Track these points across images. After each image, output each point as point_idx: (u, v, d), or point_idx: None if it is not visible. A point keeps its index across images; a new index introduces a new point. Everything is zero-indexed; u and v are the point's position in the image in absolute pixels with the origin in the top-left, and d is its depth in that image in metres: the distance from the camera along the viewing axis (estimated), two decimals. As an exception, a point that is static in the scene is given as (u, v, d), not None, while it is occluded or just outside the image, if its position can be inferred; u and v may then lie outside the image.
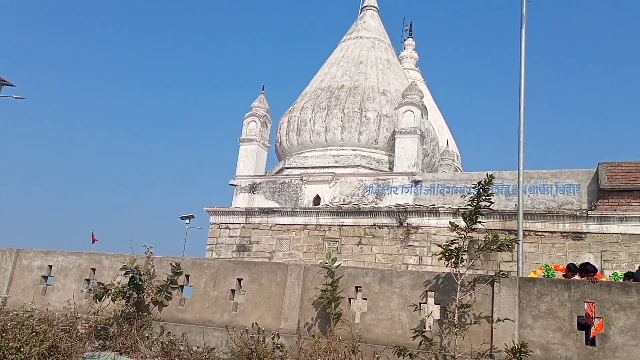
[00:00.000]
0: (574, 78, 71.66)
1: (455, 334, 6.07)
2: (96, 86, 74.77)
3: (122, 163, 74.39)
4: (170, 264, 7.90)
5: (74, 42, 74.65)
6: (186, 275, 7.88)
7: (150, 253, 7.95)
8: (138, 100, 77.71)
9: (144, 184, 73.48)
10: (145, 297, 7.85)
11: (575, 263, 9.31)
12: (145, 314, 7.70)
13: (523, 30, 9.02)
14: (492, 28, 74.29)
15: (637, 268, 8.38)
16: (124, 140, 76.24)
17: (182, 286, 7.91)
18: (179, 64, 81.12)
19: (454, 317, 6.12)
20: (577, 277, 7.94)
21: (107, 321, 7.67)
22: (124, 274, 7.74)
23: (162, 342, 7.11)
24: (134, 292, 7.76)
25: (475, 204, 6.36)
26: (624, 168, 13.64)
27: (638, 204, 13.39)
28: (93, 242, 26.06)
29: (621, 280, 9.61)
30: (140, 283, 7.73)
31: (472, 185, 6.55)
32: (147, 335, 7.42)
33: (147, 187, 73.90)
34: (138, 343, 7.25)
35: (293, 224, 16.66)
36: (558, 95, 72.04)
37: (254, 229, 17.06)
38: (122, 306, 7.72)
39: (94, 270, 8.46)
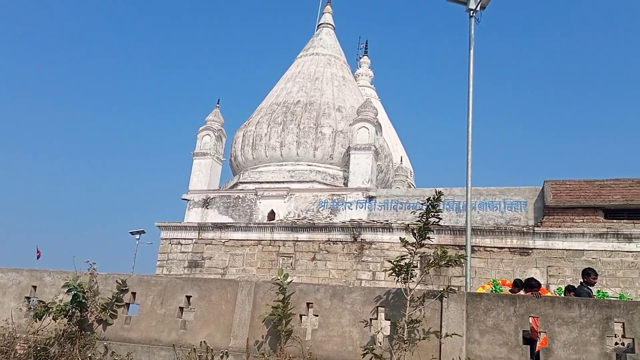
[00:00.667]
0: (522, 97, 74.33)
1: (405, 350, 6.10)
2: (45, 105, 72.45)
3: (71, 175, 72.09)
4: (116, 281, 7.64)
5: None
6: (133, 292, 7.63)
7: (94, 269, 7.66)
8: (90, 112, 75.73)
9: (93, 197, 71.32)
10: (88, 315, 7.55)
11: (521, 278, 9.56)
12: (89, 333, 7.40)
13: (471, 51, 9.29)
14: (444, 48, 76.42)
15: (579, 283, 8.66)
16: (73, 152, 74.01)
17: (128, 304, 7.66)
18: (134, 75, 79.68)
19: (404, 332, 6.16)
20: (522, 292, 8.14)
21: (48, 341, 7.31)
22: (67, 292, 7.43)
23: (105, 362, 6.85)
24: (77, 311, 7.45)
25: (424, 220, 6.44)
26: (568, 186, 14.16)
27: (581, 220, 13.92)
28: (38, 257, 25.04)
29: (562, 295, 9.91)
30: (83, 301, 7.43)
31: (424, 202, 6.64)
32: (89, 355, 7.12)
33: (96, 201, 71.76)
34: (80, 363, 6.95)
35: (247, 240, 16.49)
36: (506, 115, 74.53)
37: (206, 244, 16.78)
38: (64, 325, 7.40)
39: (35, 287, 8.09)
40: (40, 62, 72.43)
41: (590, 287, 8.25)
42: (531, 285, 8.03)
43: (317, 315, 6.90)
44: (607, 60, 68.88)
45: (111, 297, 7.58)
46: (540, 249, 13.96)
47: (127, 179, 75.23)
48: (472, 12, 9.31)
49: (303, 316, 7.00)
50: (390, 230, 15.28)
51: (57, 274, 8.05)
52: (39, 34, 73.01)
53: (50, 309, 7.35)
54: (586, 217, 13.88)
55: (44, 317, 7.36)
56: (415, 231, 6.50)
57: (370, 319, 6.57)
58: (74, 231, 66.60)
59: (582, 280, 8.46)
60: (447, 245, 14.40)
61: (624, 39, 67.98)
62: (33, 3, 71.63)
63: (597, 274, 8.55)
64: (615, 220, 13.71)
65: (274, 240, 16.26)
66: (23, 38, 69.18)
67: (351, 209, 16.40)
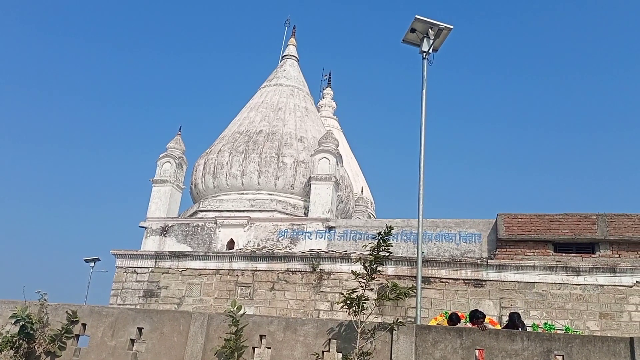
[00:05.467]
0: (477, 132, 76.47)
1: (356, 382, 6.18)
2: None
3: (24, 200, 69.87)
4: (67, 311, 7.50)
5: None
6: (83, 323, 7.50)
7: (45, 300, 7.52)
8: (47, 137, 73.97)
9: (47, 223, 69.13)
10: (36, 347, 7.37)
11: (457, 313, 9.83)
12: (36, 365, 7.22)
13: (424, 91, 9.68)
14: (403, 82, 78.20)
15: (513, 314, 8.86)
16: (28, 176, 71.89)
17: (77, 335, 7.51)
18: (95, 98, 78.46)
19: (355, 365, 6.25)
20: (469, 324, 8.36)
21: (-8, 374, 7.11)
22: (14, 322, 7.26)
23: (51, 396, 6.68)
24: (24, 342, 7.27)
25: (375, 253, 6.62)
26: (520, 219, 14.66)
27: (532, 253, 14.39)
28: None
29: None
30: (31, 332, 7.27)
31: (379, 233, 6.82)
32: (35, 389, 6.94)
33: (50, 227, 69.55)
34: (25, 398, 6.76)
35: (205, 269, 16.34)
36: (462, 149, 76.46)
37: (163, 273, 16.54)
38: (10, 357, 7.20)
39: (-20, 318, 7.86)
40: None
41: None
42: (476, 317, 8.26)
43: (269, 348, 6.93)
44: (557, 96, 71.89)
45: (60, 329, 7.42)
46: (493, 280, 14.33)
47: (83, 205, 73.33)
48: (424, 54, 9.74)
49: (256, 348, 7.01)
50: (349, 260, 15.41)
51: (5, 304, 7.84)
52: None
53: (-4, 341, 7.16)
54: (537, 250, 14.36)
55: (-12, 349, 7.15)
56: (366, 264, 6.66)
57: (323, 352, 6.64)
58: (25, 257, 64.25)
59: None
60: (404, 276, 14.67)
61: (570, 74, 71.23)
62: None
63: (484, 317, 8.67)
64: (564, 254, 14.24)
65: (233, 270, 16.16)
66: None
67: (311, 239, 16.51)
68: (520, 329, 8.33)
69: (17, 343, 7.23)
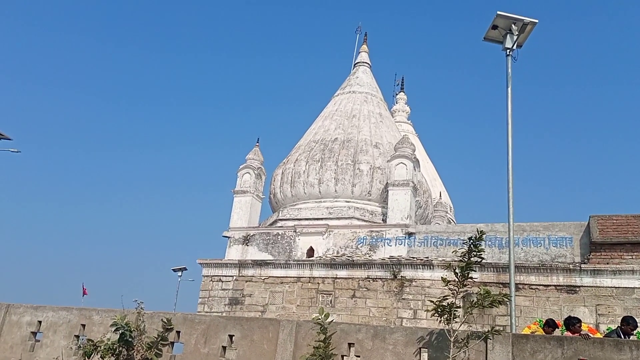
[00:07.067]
0: (565, 133, 72.98)
1: (450, 393, 5.98)
2: (89, 141, 75.42)
3: (117, 215, 74.09)
4: (162, 319, 7.80)
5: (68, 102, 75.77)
6: (177, 331, 7.76)
7: (141, 308, 7.85)
8: (131, 152, 78.26)
9: (137, 236, 72.97)
10: (135, 354, 7.70)
11: (553, 318, 9.29)
12: (135, 371, 7.55)
13: (509, 89, 9.30)
14: (481, 84, 76.16)
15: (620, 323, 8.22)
16: (118, 191, 76.27)
17: (172, 342, 7.78)
18: (177, 113, 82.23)
19: (448, 375, 6.05)
20: (567, 333, 7.88)
21: (96, 379, 7.50)
22: (114, 330, 7.62)
23: (151, 401, 6.95)
24: (124, 349, 7.62)
25: (466, 259, 6.39)
26: (615, 221, 13.76)
27: (630, 257, 13.44)
28: (84, 295, 25.77)
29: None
30: (130, 340, 7.61)
31: (466, 238, 6.60)
32: (136, 393, 7.24)
33: (140, 239, 73.34)
34: (126, 402, 7.08)
35: (286, 277, 16.55)
36: (549, 149, 73.16)
37: (246, 281, 16.91)
38: (112, 364, 7.58)
39: (83, 326, 8.33)
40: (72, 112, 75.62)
41: (625, 335, 7.84)
42: (572, 323, 7.77)
43: (358, 356, 6.85)
44: (651, 90, 67.23)
45: (156, 336, 7.72)
46: (587, 286, 13.50)
47: (169, 216, 76.83)
48: (508, 50, 9.38)
49: (344, 357, 6.96)
50: (431, 267, 15.08)
51: (106, 313, 8.27)
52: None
53: (99, 348, 7.55)
54: (635, 253, 13.40)
55: (92, 356, 7.55)
56: (457, 270, 6.44)
57: (413, 361, 6.49)
58: (118, 268, 68.06)
59: (619, 326, 8.10)
60: (490, 282, 14.13)
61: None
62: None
63: (636, 325, 8.07)
64: (666, 257, 13.20)
65: (313, 277, 16.26)
66: None
67: (390, 246, 16.31)
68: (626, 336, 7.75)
69: (117, 350, 7.58)
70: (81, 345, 7.93)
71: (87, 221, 72.04)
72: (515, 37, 9.20)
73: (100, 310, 8.39)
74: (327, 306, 15.46)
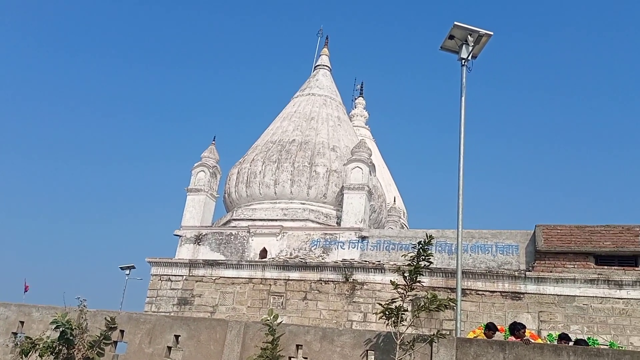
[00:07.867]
0: (514, 143, 75.27)
1: (394, 395, 6.04)
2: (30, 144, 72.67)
3: (62, 210, 71.65)
4: (105, 318, 7.57)
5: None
6: (121, 330, 7.56)
7: (84, 306, 7.60)
8: (84, 147, 75.94)
9: (85, 232, 70.69)
10: (75, 353, 7.43)
11: (494, 322, 9.57)
12: (75, 371, 7.29)
13: (463, 98, 9.51)
14: (438, 93, 77.69)
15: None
16: (65, 186, 73.80)
17: (115, 342, 7.57)
18: (130, 109, 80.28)
19: (393, 377, 6.11)
20: (511, 338, 8.11)
21: (33, 379, 7.20)
22: (54, 328, 7.35)
23: (90, 402, 6.73)
24: (64, 348, 7.35)
25: (415, 263, 6.48)
26: (559, 231, 14.26)
27: (572, 266, 13.97)
28: (25, 292, 24.82)
29: (555, 342, 9.88)
30: (71, 338, 7.34)
31: (416, 243, 6.69)
32: (74, 394, 7.00)
33: (86, 235, 71.11)
34: (64, 403, 6.83)
35: (238, 277, 16.39)
36: (498, 160, 75.32)
37: (197, 281, 16.65)
38: (50, 363, 7.30)
39: (22, 323, 8.00)
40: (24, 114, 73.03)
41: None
42: (517, 328, 8.01)
43: (306, 358, 6.84)
44: (600, 109, 70.26)
45: (99, 335, 7.49)
46: (531, 293, 13.95)
47: (119, 213, 74.83)
48: (463, 60, 9.60)
49: (292, 358, 6.93)
50: (382, 271, 15.24)
51: (46, 310, 7.97)
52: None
53: (37, 346, 7.26)
54: (577, 262, 13.94)
55: (30, 354, 7.25)
56: (405, 274, 6.53)
57: (360, 363, 6.52)
58: (63, 265, 65.79)
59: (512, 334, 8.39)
60: (438, 287, 14.40)
61: (615, 84, 69.53)
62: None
63: (525, 328, 8.38)
64: (605, 267, 13.77)
65: (265, 279, 16.16)
66: None
67: (343, 249, 16.39)
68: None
69: (57, 348, 7.31)
70: (18, 343, 7.62)
71: (31, 214, 69.41)
72: (470, 48, 9.42)
73: (40, 307, 8.10)
74: (279, 308, 15.40)
